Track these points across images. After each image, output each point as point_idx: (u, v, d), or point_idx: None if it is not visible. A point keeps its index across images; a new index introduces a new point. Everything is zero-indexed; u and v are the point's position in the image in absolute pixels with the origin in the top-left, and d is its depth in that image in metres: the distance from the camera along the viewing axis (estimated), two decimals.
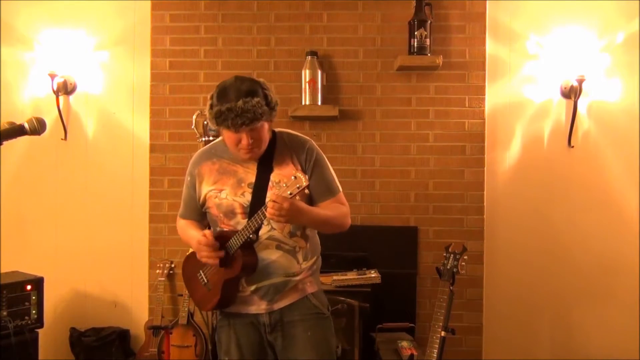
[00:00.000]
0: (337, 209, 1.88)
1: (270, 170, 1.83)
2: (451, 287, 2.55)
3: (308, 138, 1.93)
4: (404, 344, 2.74)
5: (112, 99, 3.42)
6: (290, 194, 1.64)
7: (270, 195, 1.71)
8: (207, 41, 3.30)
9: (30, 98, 3.42)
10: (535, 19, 3.25)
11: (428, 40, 3.11)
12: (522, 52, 3.26)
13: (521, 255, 3.26)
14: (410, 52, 3.14)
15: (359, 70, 3.26)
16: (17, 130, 1.55)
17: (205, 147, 2.00)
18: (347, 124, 3.23)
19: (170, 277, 3.30)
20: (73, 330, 3.31)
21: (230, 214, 1.84)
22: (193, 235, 1.88)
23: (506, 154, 3.27)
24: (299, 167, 1.83)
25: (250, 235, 1.77)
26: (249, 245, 1.80)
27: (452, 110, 3.23)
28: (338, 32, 3.26)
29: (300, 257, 1.86)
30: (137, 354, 3.24)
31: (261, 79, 1.84)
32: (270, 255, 1.82)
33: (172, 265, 3.28)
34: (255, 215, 1.73)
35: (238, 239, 1.77)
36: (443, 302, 2.54)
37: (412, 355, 2.60)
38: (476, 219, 3.22)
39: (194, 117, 3.23)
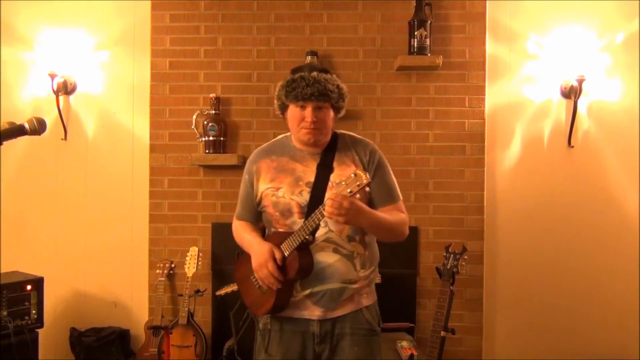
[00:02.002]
0: (396, 216, 1.81)
1: (331, 170, 1.77)
2: (451, 287, 2.55)
3: (371, 141, 1.90)
4: (404, 344, 2.74)
5: (112, 99, 3.42)
6: (350, 192, 1.56)
7: (329, 194, 1.63)
8: (207, 41, 3.30)
9: (30, 98, 3.42)
10: (535, 19, 3.24)
11: (428, 40, 3.11)
12: (522, 52, 3.26)
13: (521, 255, 3.26)
14: (410, 52, 3.14)
15: (359, 70, 3.26)
16: (17, 130, 1.54)
17: (264, 145, 1.96)
18: (347, 124, 3.21)
19: (170, 277, 3.30)
20: (73, 330, 3.31)
21: (286, 212, 1.79)
22: (254, 242, 1.83)
23: (506, 154, 3.27)
24: (361, 169, 1.74)
25: (307, 237, 1.71)
26: (305, 247, 1.74)
27: (452, 110, 3.23)
28: (338, 32, 3.26)
29: (358, 263, 1.79)
30: (137, 354, 3.24)
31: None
32: (326, 259, 1.75)
33: (172, 265, 3.28)
34: (313, 214, 1.68)
35: (294, 240, 1.72)
36: (443, 302, 2.55)
37: (412, 355, 2.61)
38: (476, 219, 3.22)
39: (194, 117, 3.23)
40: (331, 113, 1.78)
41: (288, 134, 1.93)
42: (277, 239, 1.78)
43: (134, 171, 3.40)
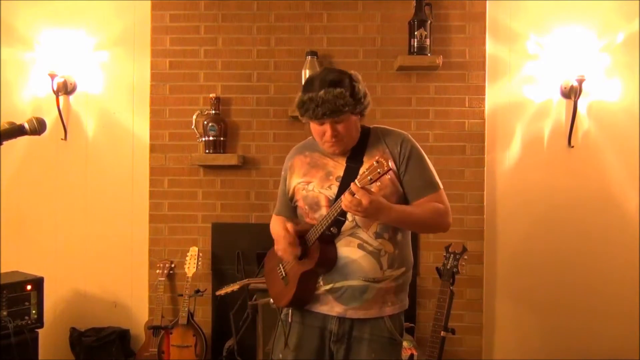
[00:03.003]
0: (431, 208, 1.74)
1: (360, 164, 1.73)
2: (451, 287, 2.55)
3: (405, 132, 1.84)
4: (404, 344, 2.69)
5: (112, 99, 3.42)
6: (371, 179, 1.52)
7: (351, 186, 1.57)
8: (207, 41, 3.30)
9: (30, 98, 3.42)
10: (535, 19, 3.24)
11: (428, 40, 3.11)
12: (522, 52, 3.26)
13: (521, 255, 3.26)
14: (410, 52, 3.14)
15: (359, 70, 3.10)
16: (17, 131, 1.53)
17: (301, 142, 1.95)
18: None
19: (170, 277, 3.30)
20: (73, 330, 3.31)
21: (315, 206, 1.78)
22: (277, 230, 1.84)
23: (506, 154, 3.27)
24: (392, 162, 1.71)
25: (331, 229, 1.70)
26: (329, 240, 1.72)
27: (452, 110, 3.23)
28: (338, 32, 3.26)
29: (384, 262, 1.74)
30: (137, 354, 3.23)
31: (352, 71, 1.77)
32: (350, 254, 1.72)
33: (172, 265, 3.28)
34: (332, 207, 1.67)
35: (316, 231, 1.72)
36: (443, 302, 2.55)
37: (412, 355, 2.61)
38: (476, 219, 3.21)
39: (194, 117, 3.23)
40: (352, 118, 1.74)
41: None
42: (304, 229, 1.78)
43: (134, 171, 3.40)
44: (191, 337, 3.09)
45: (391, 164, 1.59)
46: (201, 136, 3.24)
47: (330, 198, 1.76)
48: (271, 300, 1.98)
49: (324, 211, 1.76)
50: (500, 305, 3.26)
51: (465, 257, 2.60)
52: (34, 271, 3.02)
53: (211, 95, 3.23)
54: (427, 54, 3.11)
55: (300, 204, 1.85)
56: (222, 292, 2.93)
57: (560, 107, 3.24)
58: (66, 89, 3.36)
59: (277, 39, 3.28)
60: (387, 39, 3.24)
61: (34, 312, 2.91)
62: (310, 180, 1.82)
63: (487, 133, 3.23)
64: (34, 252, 3.40)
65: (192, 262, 3.17)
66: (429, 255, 3.21)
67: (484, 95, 3.23)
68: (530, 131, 3.26)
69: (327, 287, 1.75)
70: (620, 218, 3.22)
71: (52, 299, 3.25)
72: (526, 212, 3.26)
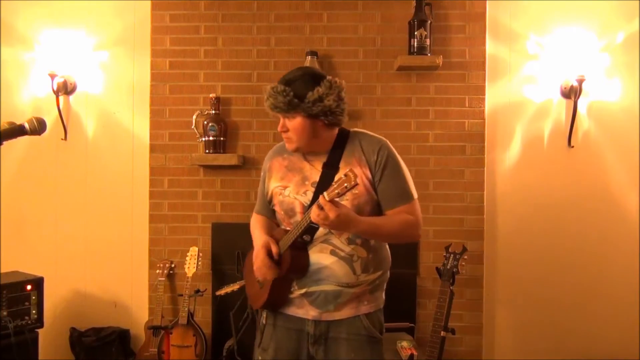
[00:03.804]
0: (400, 220, 1.74)
1: (337, 170, 1.74)
2: (451, 287, 2.55)
3: (384, 139, 1.83)
4: (404, 344, 2.74)
5: (112, 99, 3.42)
6: (338, 193, 1.53)
7: (320, 199, 1.58)
8: (207, 41, 3.30)
9: (30, 98, 3.42)
10: (535, 19, 3.24)
11: (428, 40, 3.11)
12: (522, 52, 3.25)
13: (521, 255, 3.26)
14: (410, 52, 3.14)
15: (359, 70, 3.25)
16: (17, 130, 1.54)
17: (281, 143, 1.94)
18: (348, 124, 3.11)
19: (170, 277, 3.30)
20: (73, 330, 3.31)
21: (290, 212, 1.79)
22: (257, 236, 1.85)
23: (506, 154, 3.27)
24: (368, 169, 1.74)
25: (304, 237, 1.71)
26: (302, 247, 1.74)
27: (452, 110, 3.23)
28: (338, 32, 3.26)
29: (358, 267, 1.74)
30: (137, 354, 3.23)
31: (332, 78, 1.77)
32: (323, 260, 1.73)
33: (172, 265, 3.28)
34: (304, 216, 1.68)
35: (288, 239, 1.73)
36: (443, 302, 2.55)
37: (412, 355, 2.61)
38: (476, 219, 3.21)
39: (194, 117, 3.23)
40: (300, 120, 1.73)
41: None
42: (279, 235, 1.80)
43: (134, 171, 3.40)
44: (191, 337, 3.09)
45: (366, 171, 1.68)
46: (201, 136, 3.24)
47: (305, 204, 1.77)
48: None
49: (298, 217, 1.76)
50: (500, 306, 3.26)
51: (465, 257, 2.61)
52: (34, 271, 3.02)
53: (211, 95, 3.23)
54: (427, 54, 3.11)
55: (277, 208, 1.86)
56: (222, 292, 2.93)
57: (560, 107, 3.24)
58: (66, 89, 3.36)
59: (277, 39, 3.28)
60: (387, 38, 3.24)
61: (34, 312, 2.91)
62: (287, 185, 1.82)
63: (487, 133, 3.23)
64: (34, 252, 3.40)
65: (192, 262, 3.17)
66: (429, 255, 3.21)
67: (484, 95, 3.23)
68: (530, 131, 3.26)
69: (302, 291, 1.77)
70: (621, 218, 3.22)
71: (52, 299, 3.25)
72: (526, 212, 3.25)
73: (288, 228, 1.80)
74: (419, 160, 3.23)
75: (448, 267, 2.59)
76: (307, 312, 1.77)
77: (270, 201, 1.89)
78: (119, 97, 3.41)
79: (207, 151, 3.24)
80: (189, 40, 3.31)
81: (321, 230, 1.73)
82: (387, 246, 1.89)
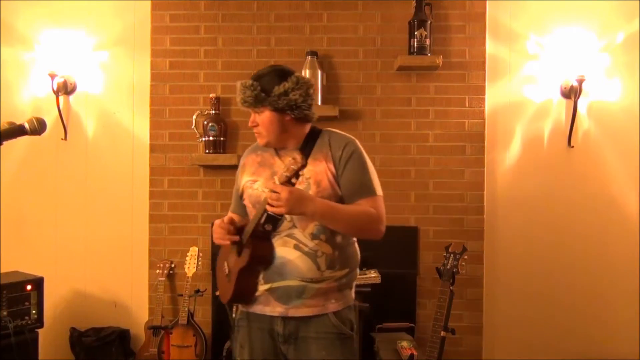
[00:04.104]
0: (361, 209, 1.75)
1: (305, 165, 1.74)
2: (451, 287, 2.55)
3: (352, 137, 1.86)
4: (404, 344, 2.73)
5: (112, 99, 3.42)
6: (287, 177, 1.59)
7: (271, 183, 1.67)
8: (207, 41, 3.30)
9: (30, 98, 3.42)
10: (536, 19, 3.24)
11: (428, 40, 3.11)
12: (522, 52, 3.25)
13: (521, 255, 3.25)
14: (410, 52, 3.14)
15: (359, 70, 3.25)
16: (17, 131, 1.53)
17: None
18: (347, 124, 3.21)
19: (170, 277, 3.29)
20: (73, 330, 3.31)
21: (257, 204, 1.81)
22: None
23: (506, 154, 3.27)
24: (332, 165, 1.77)
25: (265, 226, 1.73)
26: (263, 236, 1.76)
27: (452, 110, 3.23)
28: (338, 32, 3.25)
29: (322, 263, 1.75)
30: (137, 354, 3.23)
31: (299, 74, 1.82)
32: (287, 254, 1.75)
33: (172, 265, 3.28)
34: (261, 204, 1.71)
35: (249, 228, 1.76)
36: (443, 302, 2.55)
37: (412, 356, 2.60)
38: (476, 219, 3.21)
39: (194, 117, 3.23)
40: (272, 115, 1.78)
41: None
42: (243, 226, 1.83)
43: (134, 171, 3.40)
44: (191, 337, 3.09)
45: (330, 166, 1.74)
46: (201, 136, 3.24)
47: None
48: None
49: None
50: (501, 306, 3.26)
51: (465, 257, 2.60)
52: (34, 271, 3.02)
53: (211, 95, 3.23)
54: (427, 54, 3.11)
55: (246, 202, 1.89)
56: None
57: (560, 107, 3.24)
58: (66, 89, 3.35)
59: (277, 39, 3.27)
60: (387, 38, 3.24)
61: (34, 312, 2.91)
62: (257, 179, 1.86)
63: (487, 133, 3.23)
64: (34, 252, 3.39)
65: (192, 262, 3.17)
66: (429, 255, 3.21)
67: (484, 95, 3.22)
68: (530, 131, 3.26)
69: (266, 286, 1.78)
70: (621, 218, 3.21)
71: (52, 299, 3.24)
72: (526, 212, 3.25)
73: None
74: (419, 160, 3.23)
75: (448, 267, 2.59)
76: (273, 308, 1.78)
77: (241, 196, 1.93)
78: (119, 97, 3.41)
79: (207, 151, 3.24)
80: (189, 40, 3.30)
81: (286, 224, 1.76)
82: (356, 245, 1.90)
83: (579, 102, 3.15)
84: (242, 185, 1.91)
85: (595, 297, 3.22)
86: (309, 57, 3.14)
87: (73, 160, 3.42)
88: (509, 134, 3.27)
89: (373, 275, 2.90)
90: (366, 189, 1.79)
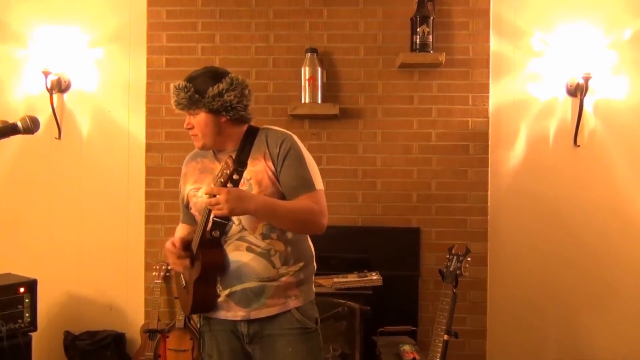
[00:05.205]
0: (302, 203, 1.75)
1: (244, 167, 1.77)
2: (454, 290, 2.50)
3: (289, 133, 1.85)
4: (406, 347, 2.71)
5: (107, 97, 3.39)
6: (222, 182, 1.60)
7: (208, 188, 1.68)
8: (204, 38, 3.26)
9: (24, 96, 3.39)
10: (540, 15, 3.21)
11: (431, 37, 3.07)
12: (527, 49, 3.22)
13: (526, 257, 3.22)
14: (413, 49, 3.10)
15: (360, 68, 3.22)
16: (9, 129, 1.52)
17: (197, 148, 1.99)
18: (348, 122, 3.19)
19: (167, 279, 3.26)
20: (67, 333, 3.28)
21: (203, 212, 1.79)
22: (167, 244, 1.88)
23: (510, 154, 3.24)
24: (271, 162, 1.77)
25: (212, 233, 1.73)
26: (214, 244, 1.75)
27: (455, 108, 3.19)
28: (338, 29, 3.22)
29: (277, 260, 1.77)
30: (133, 358, 3.21)
31: (235, 75, 1.83)
32: (241, 258, 1.75)
33: (169, 268, 3.24)
34: (204, 210, 1.71)
35: (197, 236, 1.74)
36: (446, 304, 2.50)
37: None
38: (480, 219, 3.17)
39: None
40: (208, 117, 1.77)
41: None
42: (189, 241, 1.83)
43: (129, 171, 3.37)
44: (188, 341, 3.07)
45: (269, 164, 1.75)
46: None
47: None
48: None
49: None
50: (505, 308, 3.22)
51: (469, 258, 2.56)
52: (27, 273, 2.97)
53: None
54: (429, 51, 3.08)
55: (193, 211, 1.88)
56: None
57: (566, 106, 3.20)
58: (60, 87, 3.33)
59: (276, 36, 3.24)
60: (388, 35, 3.21)
61: (27, 315, 2.86)
62: (200, 187, 1.85)
63: (491, 132, 3.20)
64: (27, 253, 3.36)
65: None
66: (431, 257, 3.17)
67: (488, 93, 3.19)
68: (535, 130, 3.23)
69: (226, 292, 1.78)
70: (628, 219, 3.18)
71: (46, 301, 3.20)
72: (531, 212, 3.22)
73: None
74: (421, 160, 3.20)
75: (451, 269, 2.54)
76: (235, 313, 1.78)
77: (187, 205, 1.92)
78: (114, 95, 3.38)
79: None
80: (186, 37, 3.27)
81: (235, 228, 1.76)
82: (309, 239, 1.90)
83: (585, 100, 3.12)
84: (186, 194, 1.90)
85: (603, 299, 3.19)
86: (308, 54, 3.11)
87: (67, 159, 3.40)
88: (513, 133, 3.24)
89: (374, 278, 2.89)
90: (306, 185, 1.79)
